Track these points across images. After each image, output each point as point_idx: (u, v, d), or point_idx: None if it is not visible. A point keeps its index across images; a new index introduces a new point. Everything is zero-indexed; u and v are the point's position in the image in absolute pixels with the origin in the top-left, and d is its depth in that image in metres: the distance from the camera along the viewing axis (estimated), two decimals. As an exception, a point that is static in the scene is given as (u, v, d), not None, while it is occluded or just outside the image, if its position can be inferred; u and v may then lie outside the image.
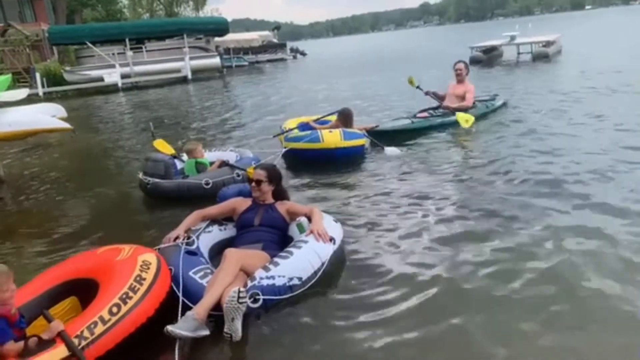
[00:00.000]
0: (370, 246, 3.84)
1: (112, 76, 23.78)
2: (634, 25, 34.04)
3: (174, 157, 5.92)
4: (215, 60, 27.66)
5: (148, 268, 2.89)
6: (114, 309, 2.58)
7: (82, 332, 2.44)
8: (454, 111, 7.78)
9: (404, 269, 3.44)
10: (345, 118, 7.01)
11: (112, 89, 23.39)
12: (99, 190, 6.41)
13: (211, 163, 5.74)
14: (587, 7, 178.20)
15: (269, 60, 38.50)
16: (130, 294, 2.68)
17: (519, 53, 19.76)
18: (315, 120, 7.44)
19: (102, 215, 5.44)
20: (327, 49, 62.85)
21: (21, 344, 2.42)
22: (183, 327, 2.62)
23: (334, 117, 7.34)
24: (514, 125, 7.63)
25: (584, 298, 2.94)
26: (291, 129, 7.02)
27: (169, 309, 2.81)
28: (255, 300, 2.90)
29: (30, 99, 12.08)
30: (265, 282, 2.96)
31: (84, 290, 2.91)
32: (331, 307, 3.06)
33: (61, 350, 2.36)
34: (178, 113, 14.34)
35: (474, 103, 8.21)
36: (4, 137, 7.01)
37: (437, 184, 5.22)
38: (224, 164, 5.59)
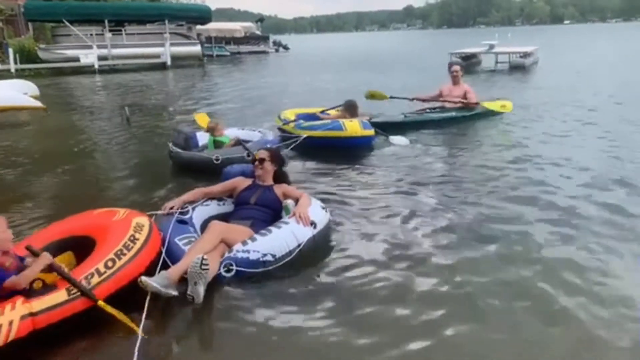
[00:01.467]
0: (355, 236, 3.93)
1: (88, 57, 23.25)
2: (609, 42, 35.08)
3: (207, 131, 6.34)
4: (196, 48, 27.36)
5: (141, 230, 3.16)
6: (109, 263, 2.87)
7: (80, 280, 2.73)
8: (465, 106, 8.09)
9: (383, 261, 3.53)
10: (350, 109, 7.23)
11: (88, 70, 22.86)
12: (63, 172, 6.30)
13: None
14: (565, 21, 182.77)
15: (250, 52, 38.22)
16: (125, 251, 2.96)
17: (497, 62, 20.12)
18: (322, 112, 7.74)
19: (63, 195, 5.35)
20: (311, 44, 62.77)
21: (28, 271, 2.70)
22: (155, 281, 2.83)
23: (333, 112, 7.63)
24: (515, 126, 7.99)
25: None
26: (292, 120, 7.18)
27: (157, 268, 3.06)
28: (229, 270, 3.14)
29: (1, 75, 11.74)
30: (240, 255, 3.19)
31: (80, 247, 3.16)
32: (299, 286, 3.20)
33: (62, 293, 2.67)
34: (155, 99, 14.11)
35: (477, 102, 8.30)
36: (-28, 112, 6.80)
37: (432, 177, 5.44)
38: (238, 142, 5.87)
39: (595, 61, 19.83)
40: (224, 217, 3.83)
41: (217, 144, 6.08)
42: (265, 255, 3.24)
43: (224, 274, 3.14)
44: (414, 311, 2.94)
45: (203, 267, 2.86)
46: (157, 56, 24.82)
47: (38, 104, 7.16)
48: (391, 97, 8.45)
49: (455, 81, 8.41)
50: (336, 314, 2.92)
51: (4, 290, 2.65)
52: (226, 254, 3.22)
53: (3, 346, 2.46)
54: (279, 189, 4.00)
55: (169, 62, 24.54)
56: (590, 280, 3.24)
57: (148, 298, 2.81)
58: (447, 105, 8.30)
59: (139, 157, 7.20)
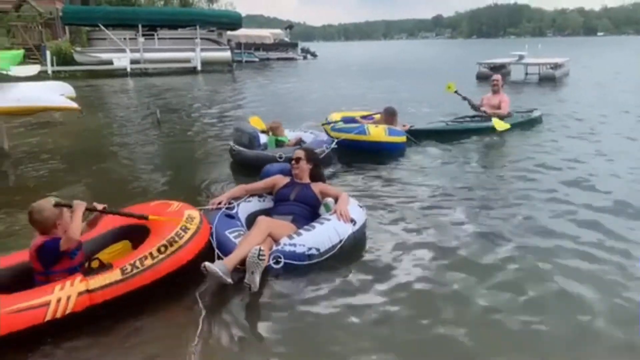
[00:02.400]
0: (388, 235, 4.14)
1: (121, 60, 23.82)
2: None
3: (263, 132, 6.77)
4: (226, 54, 27.71)
5: (192, 221, 3.42)
6: (162, 249, 3.13)
7: (134, 262, 2.99)
8: (490, 116, 8.15)
9: (416, 259, 3.71)
10: (389, 115, 7.40)
11: (121, 73, 23.42)
12: (99, 170, 6.54)
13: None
14: (599, 33, 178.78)
15: (279, 59, 38.57)
16: (176, 239, 3.22)
17: (526, 73, 19.82)
18: (363, 117, 7.89)
19: (97, 193, 5.46)
20: (338, 52, 62.99)
21: (71, 226, 2.94)
22: (217, 267, 3.12)
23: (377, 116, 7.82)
24: (546, 136, 8.05)
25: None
26: (336, 121, 7.47)
27: (205, 257, 3.29)
28: (277, 262, 3.38)
29: (39, 76, 12.13)
30: (287, 248, 3.45)
31: (136, 236, 3.43)
32: (339, 279, 3.42)
33: (117, 272, 2.91)
34: (185, 102, 14.38)
35: (509, 112, 8.47)
36: (12, 112, 7.02)
37: (465, 185, 5.48)
38: (299, 142, 6.19)
39: (629, 76, 19.29)
40: (265, 213, 4.06)
41: (279, 143, 6.46)
42: (310, 249, 3.48)
43: (273, 265, 3.37)
44: (444, 305, 3.11)
45: (260, 257, 3.15)
46: (188, 61, 25.29)
47: (74, 105, 7.32)
48: (455, 92, 8.59)
49: (494, 90, 8.62)
50: (373, 305, 3.10)
51: (64, 258, 2.95)
52: (274, 247, 3.46)
53: (61, 318, 2.69)
54: (316, 187, 4.23)
55: (199, 67, 24.95)
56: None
57: (198, 292, 3.12)
58: (484, 115, 8.43)
59: (168, 157, 7.42)
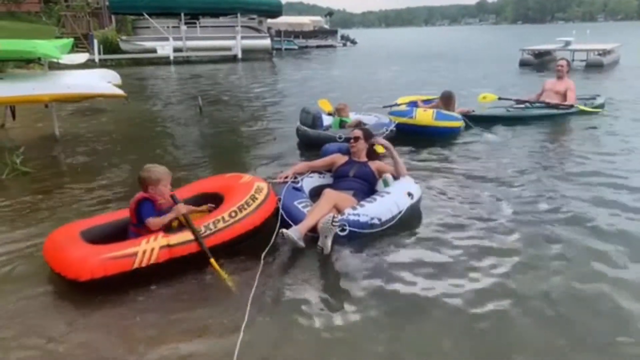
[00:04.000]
0: (441, 212, 4.37)
1: (165, 49, 24.31)
2: None
3: (329, 114, 7.33)
4: (266, 42, 27.85)
5: (261, 191, 3.85)
6: (233, 214, 3.58)
7: (208, 224, 3.46)
8: (556, 106, 8.11)
9: (466, 237, 3.89)
10: (445, 100, 7.63)
11: (164, 61, 23.92)
12: (145, 153, 6.73)
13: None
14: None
15: (318, 46, 38.49)
16: (246, 206, 3.66)
17: (572, 60, 19.06)
18: (424, 101, 8.15)
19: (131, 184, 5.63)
20: (378, 39, 62.22)
21: (162, 217, 3.40)
22: (292, 233, 3.50)
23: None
24: (607, 128, 7.64)
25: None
26: (398, 105, 7.97)
27: (271, 224, 3.76)
28: (343, 230, 3.68)
29: (87, 64, 12.55)
30: (352, 218, 3.77)
31: (212, 201, 3.93)
32: (399, 247, 3.75)
33: (189, 233, 3.35)
34: (226, 89, 14.58)
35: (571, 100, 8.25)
36: (62, 98, 7.30)
37: (519, 175, 5.41)
38: (359, 123, 6.43)
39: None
40: (326, 188, 4.31)
41: (342, 124, 6.81)
42: (372, 219, 3.80)
43: (339, 232, 3.66)
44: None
45: (334, 223, 3.48)
46: (229, 49, 25.55)
47: (120, 92, 7.57)
48: (499, 99, 8.54)
49: (559, 76, 8.41)
50: (428, 272, 3.37)
51: (146, 227, 3.39)
52: (339, 217, 3.70)
53: (145, 267, 3.17)
54: (373, 165, 4.58)
55: (239, 55, 25.19)
56: None
57: (262, 256, 3.45)
58: (551, 100, 8.29)
59: (209, 141, 7.61)
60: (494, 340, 2.68)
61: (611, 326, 2.78)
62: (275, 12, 29.49)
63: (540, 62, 19.16)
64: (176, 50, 24.61)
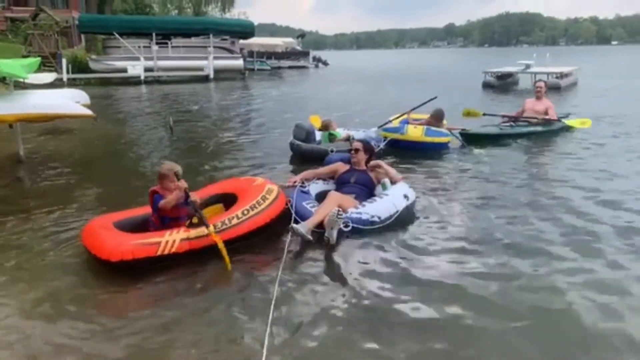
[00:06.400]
0: (431, 216, 4.85)
1: (135, 68, 24.09)
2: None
3: (320, 129, 7.70)
4: (239, 62, 27.92)
5: (271, 192, 4.40)
6: (246, 212, 4.09)
7: (224, 220, 3.97)
8: (538, 122, 8.67)
9: (448, 244, 4.23)
10: (435, 117, 8.06)
11: (135, 81, 23.69)
12: (113, 175, 6.66)
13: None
14: (613, 42, 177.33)
15: (291, 67, 38.77)
16: (257, 205, 4.18)
17: (534, 82, 19.74)
18: (415, 119, 8.48)
19: (110, 198, 5.55)
20: (350, 61, 63.08)
21: (170, 198, 3.94)
22: (301, 227, 4.03)
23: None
24: (585, 141, 8.24)
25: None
26: (391, 121, 8.42)
27: (280, 222, 4.31)
28: (347, 226, 4.17)
29: (55, 84, 12.37)
30: (354, 215, 4.29)
31: (227, 201, 4.46)
32: (396, 242, 4.20)
33: (211, 227, 3.80)
34: (198, 109, 14.52)
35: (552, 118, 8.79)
36: (28, 119, 7.12)
37: (505, 189, 5.74)
38: (349, 137, 6.88)
39: (631, 85, 19.05)
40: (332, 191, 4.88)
41: (331, 137, 7.32)
42: (373, 216, 4.33)
43: (343, 228, 4.15)
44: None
45: (338, 216, 3.94)
46: (201, 69, 25.52)
47: (89, 112, 7.44)
48: (484, 114, 8.98)
49: (538, 96, 8.94)
50: (415, 266, 3.80)
51: (161, 212, 3.98)
52: (343, 215, 4.13)
53: (167, 255, 3.65)
54: (372, 172, 5.14)
55: (212, 75, 25.18)
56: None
57: (286, 246, 3.93)
58: (532, 120, 8.77)
59: (181, 161, 7.43)
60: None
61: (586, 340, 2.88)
62: (248, 33, 29.68)
63: (502, 84, 19.84)
64: (147, 70, 24.44)
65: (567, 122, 8.96)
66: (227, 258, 3.69)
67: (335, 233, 3.99)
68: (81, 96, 8.73)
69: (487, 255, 3.93)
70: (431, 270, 3.69)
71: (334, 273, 3.75)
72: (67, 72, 22.18)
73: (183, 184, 3.98)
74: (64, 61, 22.42)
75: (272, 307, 3.11)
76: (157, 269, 3.66)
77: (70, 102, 7.82)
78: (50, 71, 18.87)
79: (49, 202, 5.39)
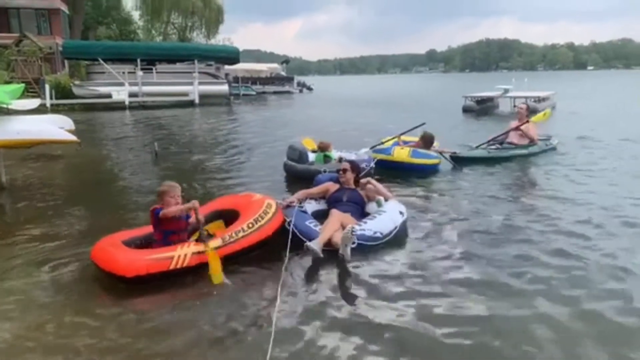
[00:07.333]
0: (421, 233, 5.07)
1: (120, 94, 24.07)
2: (632, 90, 34.83)
3: (313, 151, 7.91)
4: (224, 88, 28.09)
5: (270, 208, 4.58)
6: (251, 225, 4.30)
7: (231, 233, 4.19)
8: (519, 146, 9.00)
9: (439, 258, 4.47)
10: (424, 140, 8.30)
11: (119, 107, 23.63)
12: (97, 201, 6.55)
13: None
14: (589, 67, 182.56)
15: (275, 92, 39.07)
16: (260, 218, 4.40)
17: (514, 106, 20.22)
18: (405, 141, 8.70)
19: (94, 224, 5.47)
20: (334, 86, 63.84)
21: (176, 207, 4.09)
22: (315, 244, 4.13)
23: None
24: (567, 163, 8.60)
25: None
26: (383, 143, 8.67)
27: (279, 236, 4.46)
28: (353, 242, 4.24)
29: (38, 110, 12.29)
30: (359, 232, 4.42)
31: (229, 216, 4.61)
32: (397, 256, 4.46)
33: (219, 240, 4.09)
34: (183, 134, 14.50)
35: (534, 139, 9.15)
36: (11, 145, 7.08)
37: (491, 208, 5.96)
38: (341, 159, 7.06)
39: (614, 110, 19.58)
40: (324, 212, 5.11)
41: (327, 159, 7.55)
42: (375, 232, 4.55)
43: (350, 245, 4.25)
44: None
45: (353, 233, 4.10)
46: (186, 94, 25.58)
47: (73, 137, 7.41)
48: (476, 147, 9.09)
49: (519, 118, 9.30)
50: (420, 277, 4.02)
51: (162, 226, 4.11)
52: (357, 231, 4.33)
53: (180, 269, 3.83)
54: (362, 191, 5.37)
55: (197, 100, 25.25)
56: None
57: (285, 263, 4.07)
58: (515, 140, 9.11)
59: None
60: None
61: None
62: (233, 59, 29.97)
63: (481, 108, 20.26)
64: (132, 95, 24.42)
65: (533, 119, 9.47)
66: (218, 273, 3.86)
67: (349, 249, 4.14)
68: (65, 122, 8.71)
69: (480, 268, 4.15)
70: (434, 286, 3.83)
71: (341, 286, 3.90)
72: (51, 98, 22.09)
73: (195, 204, 4.14)
74: (47, 87, 22.32)
75: (273, 324, 3.18)
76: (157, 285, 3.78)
77: (55, 127, 7.79)
78: (34, 97, 18.75)
79: (31, 229, 5.30)
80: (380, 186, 5.44)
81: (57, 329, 3.27)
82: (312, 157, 7.80)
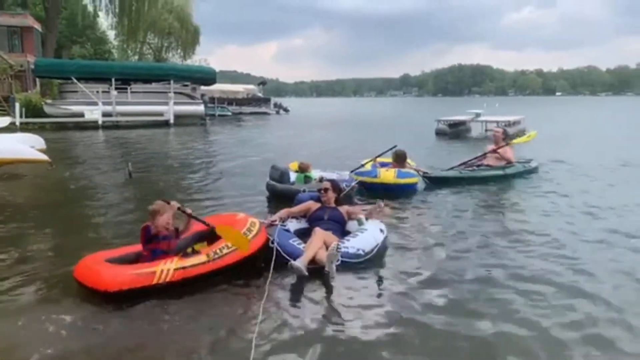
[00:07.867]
0: (401, 250, 5.26)
1: (93, 113, 23.72)
2: (596, 115, 36.12)
3: (296, 171, 8.11)
4: (199, 108, 27.98)
5: (254, 226, 4.69)
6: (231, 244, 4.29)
7: (215, 250, 4.22)
8: (495, 167, 9.13)
9: (416, 270, 4.71)
10: (397, 158, 8.49)
11: (92, 126, 23.26)
12: (68, 222, 6.41)
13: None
14: (557, 93, 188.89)
15: (252, 113, 39.12)
16: (245, 235, 4.39)
17: (486, 130, 20.73)
18: (380, 162, 8.90)
19: (64, 245, 5.33)
20: (310, 108, 64.33)
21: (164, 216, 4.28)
22: (300, 263, 4.20)
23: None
24: (545, 186, 8.77)
25: None
26: (363, 165, 8.76)
27: (263, 253, 4.55)
28: (338, 260, 4.32)
29: (7, 128, 11.98)
30: (342, 250, 4.48)
31: (213, 236, 4.48)
32: (377, 272, 4.62)
33: (203, 256, 4.14)
34: (157, 155, 14.32)
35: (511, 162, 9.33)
36: (-21, 163, 6.88)
37: (463, 224, 6.22)
38: (322, 179, 7.02)
39: (578, 133, 20.33)
40: (306, 231, 5.22)
41: (307, 179, 7.77)
42: (358, 250, 4.66)
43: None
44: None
45: (338, 250, 4.20)
46: (161, 114, 25.36)
47: (44, 157, 7.26)
48: (451, 169, 9.24)
49: (496, 142, 9.48)
50: (402, 291, 4.17)
51: (151, 245, 4.21)
52: (342, 249, 4.44)
53: (162, 284, 3.84)
54: (342, 209, 5.54)
55: (171, 120, 25.05)
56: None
57: (268, 281, 4.10)
58: (492, 163, 9.25)
59: (138, 208, 7.27)
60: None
61: None
62: (209, 79, 29.87)
63: (454, 131, 20.68)
64: (105, 114, 24.09)
65: (515, 141, 9.75)
66: (241, 241, 4.21)
67: (334, 266, 4.20)
68: (36, 141, 8.51)
69: (458, 283, 4.34)
70: (415, 303, 3.92)
71: (323, 303, 3.96)
72: (21, 116, 21.62)
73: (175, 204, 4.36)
74: (17, 105, 21.86)
75: (253, 340, 3.21)
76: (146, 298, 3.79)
77: (25, 147, 7.61)
78: (3, 115, 18.32)
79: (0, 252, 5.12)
80: (357, 209, 5.62)
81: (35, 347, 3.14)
82: (293, 177, 7.96)
